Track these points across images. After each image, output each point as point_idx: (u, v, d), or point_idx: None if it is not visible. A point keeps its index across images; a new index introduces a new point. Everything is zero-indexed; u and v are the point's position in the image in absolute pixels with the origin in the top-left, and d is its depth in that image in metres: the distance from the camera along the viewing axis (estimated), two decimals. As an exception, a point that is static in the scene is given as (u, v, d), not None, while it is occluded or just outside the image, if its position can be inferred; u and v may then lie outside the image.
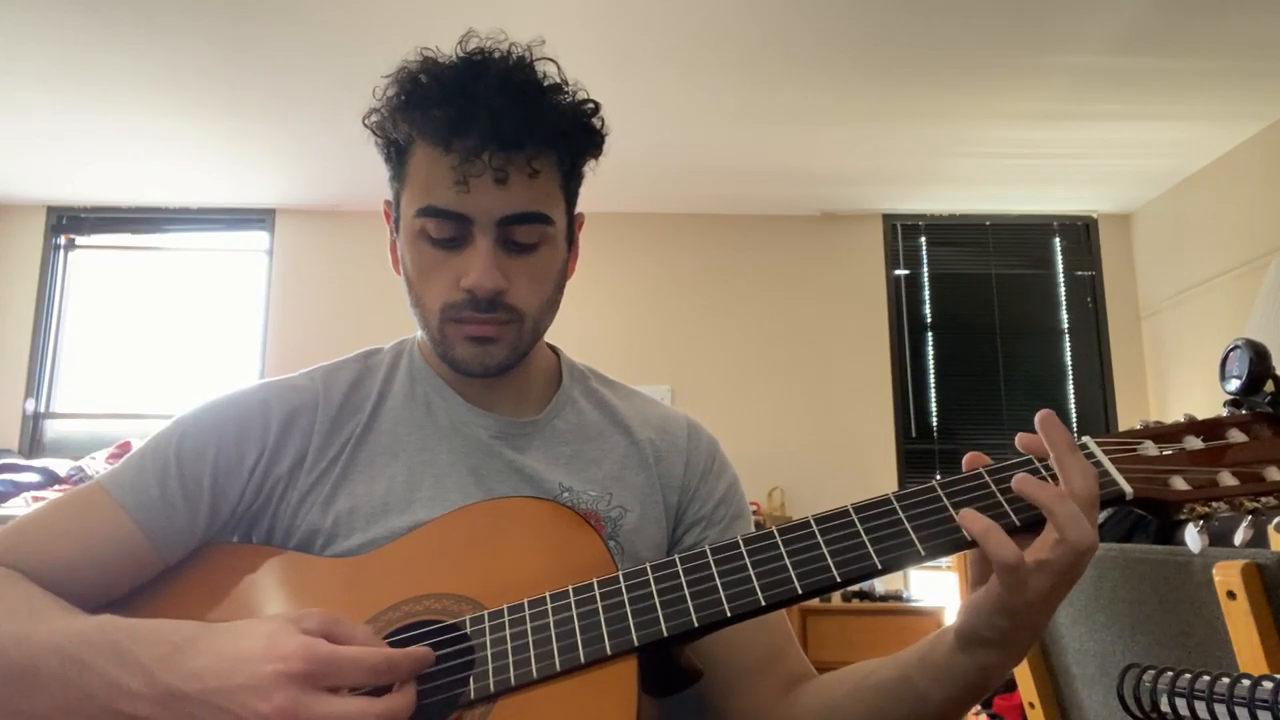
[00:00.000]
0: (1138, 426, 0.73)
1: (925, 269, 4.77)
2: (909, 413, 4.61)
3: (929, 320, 4.73)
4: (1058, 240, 4.79)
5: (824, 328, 4.66)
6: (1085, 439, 0.72)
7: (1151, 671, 0.82)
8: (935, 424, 4.62)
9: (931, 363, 4.68)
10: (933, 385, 4.66)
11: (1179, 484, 0.68)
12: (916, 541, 0.68)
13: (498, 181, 0.81)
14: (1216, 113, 3.66)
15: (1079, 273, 4.75)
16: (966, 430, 4.61)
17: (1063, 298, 4.73)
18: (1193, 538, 0.68)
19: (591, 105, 0.88)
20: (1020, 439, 0.71)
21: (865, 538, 0.69)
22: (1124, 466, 0.69)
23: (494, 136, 0.80)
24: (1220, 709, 0.75)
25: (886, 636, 3.87)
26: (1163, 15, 2.98)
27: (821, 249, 4.75)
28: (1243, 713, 0.73)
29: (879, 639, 3.85)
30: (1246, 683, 0.74)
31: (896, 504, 0.70)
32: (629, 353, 4.54)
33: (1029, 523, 0.67)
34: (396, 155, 0.88)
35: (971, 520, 0.65)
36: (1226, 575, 1.04)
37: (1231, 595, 1.03)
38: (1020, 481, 0.66)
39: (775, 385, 4.59)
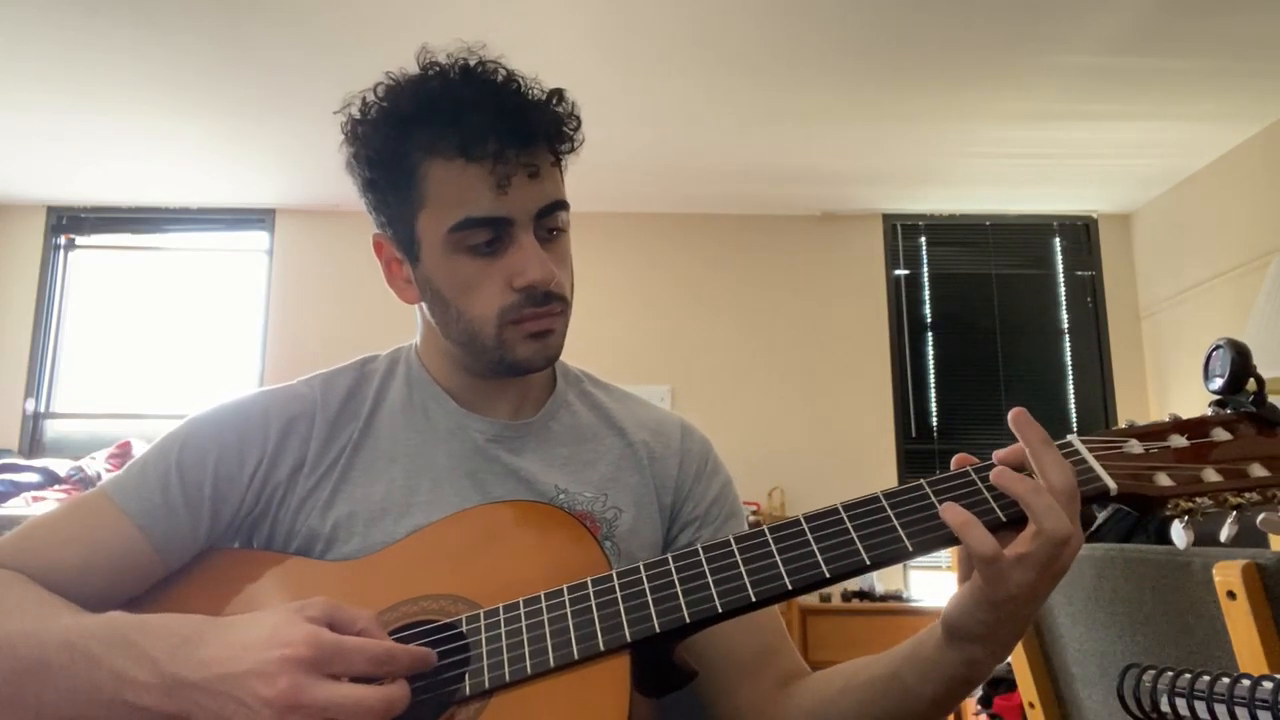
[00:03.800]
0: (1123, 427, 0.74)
1: (925, 269, 4.77)
2: (909, 413, 4.61)
3: (929, 320, 4.73)
4: (1058, 240, 4.79)
5: (824, 328, 4.66)
6: (1070, 437, 0.72)
7: (1151, 671, 0.82)
8: (935, 424, 4.62)
9: (931, 362, 4.68)
10: (933, 385, 4.66)
11: (1163, 480, 0.69)
12: (904, 537, 0.69)
13: (531, 176, 0.83)
14: (1216, 113, 3.66)
15: (1079, 273, 4.75)
16: (966, 430, 4.61)
17: (1063, 298, 4.73)
18: (1179, 534, 0.69)
19: (562, 90, 0.90)
20: (996, 455, 0.71)
21: (854, 534, 0.70)
22: (1108, 463, 0.70)
23: (515, 135, 0.82)
24: (1220, 709, 0.75)
25: (886, 636, 3.86)
26: (1163, 15, 2.98)
27: (821, 249, 4.76)
28: (1243, 713, 0.73)
29: (878, 639, 3.85)
30: (1246, 683, 0.74)
31: (885, 501, 0.71)
32: (628, 353, 4.53)
33: (1015, 519, 0.67)
34: (403, 183, 0.85)
35: (951, 513, 0.66)
36: (1226, 575, 1.04)
37: (1231, 595, 1.03)
38: (998, 475, 0.67)
39: (775, 385, 4.59)
